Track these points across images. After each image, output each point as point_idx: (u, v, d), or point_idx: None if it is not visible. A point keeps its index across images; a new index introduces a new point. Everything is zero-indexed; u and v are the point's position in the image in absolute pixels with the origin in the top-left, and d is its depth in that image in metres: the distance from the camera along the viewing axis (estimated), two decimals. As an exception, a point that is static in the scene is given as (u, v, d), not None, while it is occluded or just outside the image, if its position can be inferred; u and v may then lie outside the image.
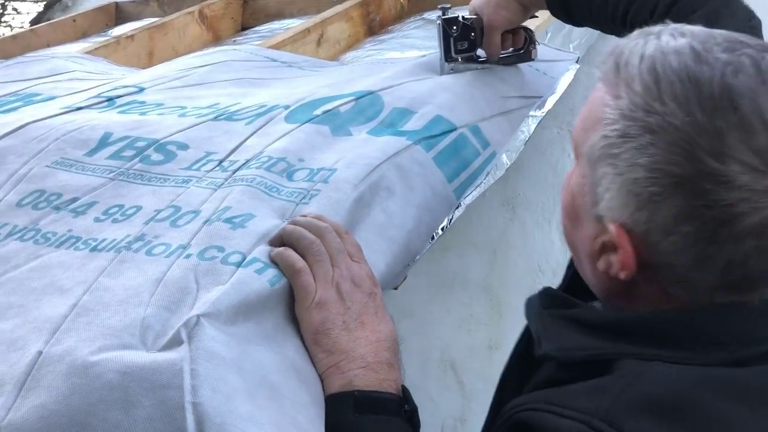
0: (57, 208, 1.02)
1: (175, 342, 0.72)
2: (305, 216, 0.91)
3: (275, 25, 2.66)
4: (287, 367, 0.75)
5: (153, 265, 0.84)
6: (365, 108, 1.19)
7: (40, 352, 0.74)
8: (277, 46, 1.93)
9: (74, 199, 1.04)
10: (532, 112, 1.33)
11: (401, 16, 2.49)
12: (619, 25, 1.15)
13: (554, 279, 2.29)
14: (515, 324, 2.38)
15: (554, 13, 1.27)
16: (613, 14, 1.14)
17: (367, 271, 0.88)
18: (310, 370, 0.79)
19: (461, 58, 1.31)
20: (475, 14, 1.33)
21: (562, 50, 1.58)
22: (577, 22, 1.29)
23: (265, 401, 0.69)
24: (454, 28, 1.30)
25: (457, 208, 1.09)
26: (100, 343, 0.72)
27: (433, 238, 1.06)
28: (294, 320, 0.81)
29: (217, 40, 2.69)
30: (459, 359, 2.48)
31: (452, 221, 1.11)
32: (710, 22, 0.76)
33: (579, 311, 0.75)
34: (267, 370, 0.73)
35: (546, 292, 0.83)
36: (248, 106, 1.31)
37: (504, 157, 1.21)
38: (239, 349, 0.72)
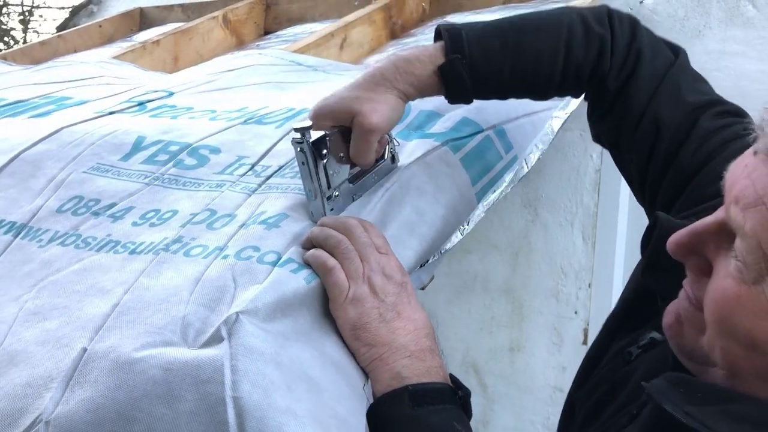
0: (96, 214, 1.05)
1: (215, 339, 0.74)
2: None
3: (297, 29, 2.69)
4: (325, 362, 0.77)
5: (191, 265, 0.86)
6: (393, 112, 1.21)
7: (85, 349, 0.77)
8: (301, 50, 1.95)
9: (112, 205, 1.07)
10: (555, 113, 1.34)
11: (423, 19, 2.51)
12: (555, 88, 1.05)
13: (576, 281, 2.30)
14: (537, 326, 2.39)
15: (455, 97, 1.03)
16: (551, 77, 1.02)
17: (396, 262, 0.88)
18: (349, 364, 0.81)
19: (339, 191, 0.96)
20: (342, 112, 0.97)
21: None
22: (482, 97, 1.07)
23: (304, 394, 0.72)
24: (324, 151, 0.93)
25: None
26: (143, 340, 0.75)
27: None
28: (330, 318, 0.83)
29: (240, 44, 2.72)
30: (481, 361, 2.50)
31: (469, 223, 1.13)
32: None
33: (750, 409, 0.64)
34: (305, 364, 0.75)
35: (677, 381, 0.67)
36: (277, 109, 1.33)
37: (525, 162, 1.23)
38: (277, 345, 0.74)
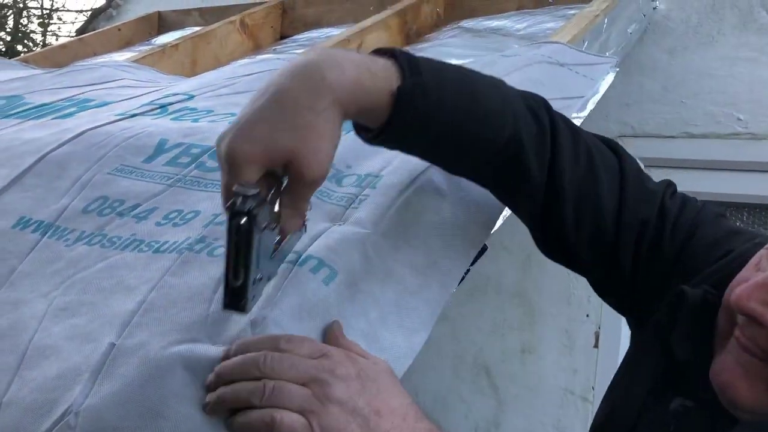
0: (120, 214, 1.09)
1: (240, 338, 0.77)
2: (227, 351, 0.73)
3: (314, 33, 2.72)
4: None
5: (214, 265, 0.89)
6: (408, 116, 1.23)
7: (113, 344, 0.80)
8: (318, 55, 1.98)
9: (136, 205, 1.10)
10: (574, 114, 1.35)
11: (437, 24, 2.53)
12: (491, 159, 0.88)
13: (588, 285, 2.31)
14: (548, 329, 2.41)
15: (387, 133, 0.80)
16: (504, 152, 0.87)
17: (339, 353, 0.72)
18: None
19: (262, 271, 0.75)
20: (277, 157, 0.70)
21: (599, 55, 1.61)
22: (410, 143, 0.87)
23: None
24: (264, 223, 0.71)
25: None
26: (171, 337, 0.78)
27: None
28: (348, 324, 0.84)
29: (257, 48, 2.76)
30: (492, 363, 2.52)
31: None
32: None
33: None
34: None
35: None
36: (295, 114, 1.36)
37: None
38: None
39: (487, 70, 1.44)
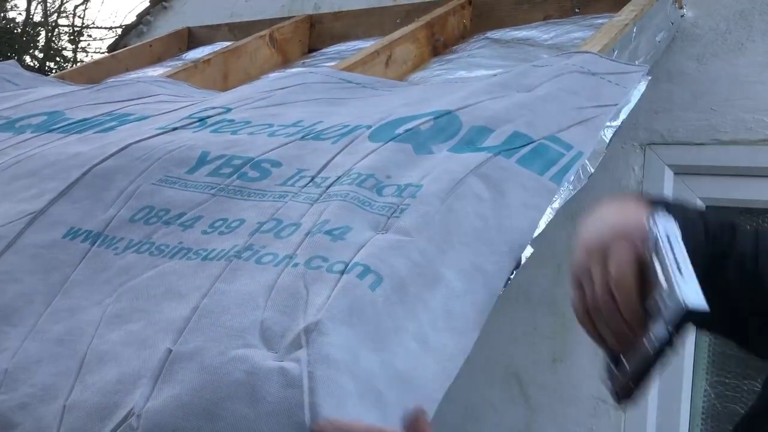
0: (167, 223, 1.12)
1: (295, 345, 0.79)
2: None
3: (341, 47, 2.76)
4: (391, 375, 0.80)
5: (263, 272, 0.92)
6: (444, 127, 1.26)
7: (169, 350, 0.83)
8: (348, 68, 2.02)
9: (181, 214, 1.13)
10: (608, 122, 1.37)
11: (464, 35, 2.56)
12: None
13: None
14: (579, 337, 2.40)
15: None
16: None
17: None
18: (415, 377, 0.83)
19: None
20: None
21: (630, 63, 1.62)
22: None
23: (371, 405, 0.75)
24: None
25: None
26: (227, 343, 0.80)
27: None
28: (396, 324, 0.86)
29: (286, 62, 2.81)
30: (523, 372, 2.52)
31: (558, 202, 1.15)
32: None
33: None
34: (374, 376, 0.78)
35: None
36: (332, 126, 1.39)
37: (587, 163, 1.26)
38: (352, 353, 0.78)
39: (520, 80, 1.46)
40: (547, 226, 2.51)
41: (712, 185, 2.27)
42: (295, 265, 0.92)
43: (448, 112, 1.30)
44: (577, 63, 1.50)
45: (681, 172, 2.30)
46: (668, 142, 2.31)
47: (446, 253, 0.96)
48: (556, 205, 1.15)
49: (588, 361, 2.38)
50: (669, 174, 2.32)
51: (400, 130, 1.27)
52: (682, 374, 2.27)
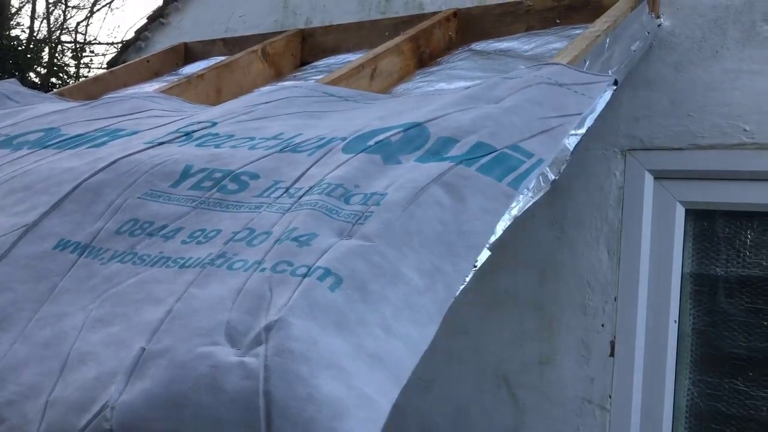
0: (150, 234, 1.20)
1: (256, 342, 0.86)
2: None
3: (331, 60, 2.84)
4: (361, 354, 0.88)
5: (233, 277, 0.99)
6: (413, 138, 1.33)
7: (143, 349, 0.90)
8: (333, 82, 2.09)
9: (164, 226, 1.21)
10: (572, 131, 1.43)
11: (450, 47, 2.63)
12: None
13: (603, 295, 2.39)
14: (565, 339, 2.47)
15: None
16: None
17: None
18: (385, 356, 0.90)
19: None
20: None
21: (597, 74, 1.68)
22: None
23: (330, 378, 0.83)
24: None
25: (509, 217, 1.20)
26: (195, 342, 0.87)
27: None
28: (360, 318, 0.93)
29: (278, 75, 2.89)
30: (512, 374, 2.58)
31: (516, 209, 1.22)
32: None
33: None
34: (337, 355, 0.86)
35: None
36: (309, 138, 1.46)
37: (548, 170, 1.32)
38: (310, 341, 0.85)
39: (489, 92, 1.54)
40: (532, 232, 2.58)
41: (690, 189, 2.33)
42: (263, 269, 0.99)
43: (418, 124, 1.38)
44: (546, 74, 1.57)
45: (661, 176, 2.37)
46: (648, 148, 2.38)
47: (407, 255, 1.03)
48: (515, 212, 1.21)
49: (574, 362, 2.44)
50: (649, 178, 2.38)
51: (372, 142, 1.34)
52: (665, 373, 2.33)
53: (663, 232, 2.35)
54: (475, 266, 1.10)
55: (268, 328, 0.87)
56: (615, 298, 2.38)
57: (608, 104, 2.38)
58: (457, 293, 1.07)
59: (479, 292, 2.69)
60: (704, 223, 2.36)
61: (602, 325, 2.41)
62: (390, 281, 0.99)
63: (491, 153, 1.26)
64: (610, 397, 2.39)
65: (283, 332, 0.86)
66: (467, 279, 1.08)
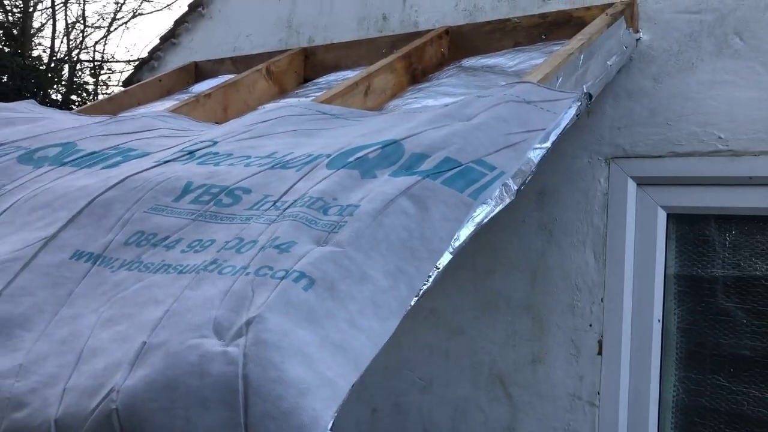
0: (154, 245, 1.35)
1: (237, 334, 1.01)
2: None
3: (332, 77, 3.00)
4: (326, 344, 1.02)
5: (222, 281, 1.14)
6: (389, 155, 1.47)
7: (144, 343, 1.05)
8: (329, 100, 2.25)
9: (166, 237, 1.37)
10: (537, 144, 1.57)
11: (442, 63, 2.77)
12: None
13: (590, 296, 2.52)
14: (556, 339, 2.60)
15: None
16: None
17: None
18: (347, 346, 1.04)
19: None
20: None
21: (563, 91, 1.82)
22: None
23: (297, 363, 0.97)
24: None
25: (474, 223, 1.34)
26: (186, 335, 1.03)
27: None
28: (329, 313, 1.07)
29: (282, 92, 3.05)
30: (506, 373, 2.70)
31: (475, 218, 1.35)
32: None
33: None
34: (305, 344, 1.00)
35: None
36: (299, 155, 1.61)
37: (510, 181, 1.45)
38: (282, 333, 1.00)
39: (462, 110, 1.68)
40: (522, 236, 2.71)
41: (671, 194, 2.45)
42: (247, 273, 1.14)
43: (395, 142, 1.52)
44: (515, 93, 1.71)
45: (643, 183, 2.49)
46: (630, 156, 2.50)
47: (374, 258, 1.18)
48: (480, 219, 1.34)
49: (564, 361, 2.57)
50: (632, 185, 2.51)
51: (352, 158, 1.49)
52: (650, 370, 2.44)
53: (646, 236, 2.48)
54: (438, 268, 1.24)
55: (248, 323, 1.02)
56: (602, 299, 2.51)
57: (592, 114, 2.53)
58: (421, 292, 1.21)
59: (474, 294, 2.83)
60: (685, 226, 2.48)
61: (590, 325, 2.53)
62: (357, 281, 1.13)
63: (456, 167, 1.40)
64: (598, 393, 2.51)
65: (260, 326, 1.01)
66: (430, 279, 1.22)
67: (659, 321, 2.48)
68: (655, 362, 2.46)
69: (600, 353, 2.51)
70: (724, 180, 2.33)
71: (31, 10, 11.38)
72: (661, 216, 2.48)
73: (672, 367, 2.49)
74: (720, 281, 2.42)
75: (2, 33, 10.95)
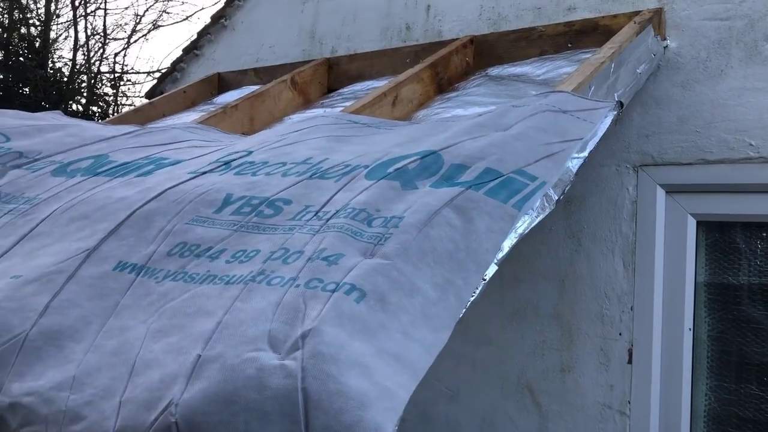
0: (197, 256, 1.36)
1: (294, 348, 1.01)
2: None
3: (357, 87, 3.01)
4: (383, 354, 1.02)
5: (272, 292, 1.14)
6: (429, 165, 1.48)
7: (199, 356, 1.06)
8: (358, 111, 2.25)
9: (209, 248, 1.37)
10: (575, 154, 1.57)
11: (467, 72, 2.78)
12: None
13: (619, 305, 2.50)
14: (585, 348, 2.59)
15: None
16: None
17: None
18: (404, 355, 1.05)
19: None
20: None
21: (599, 100, 1.82)
22: None
23: (356, 374, 0.97)
24: None
25: (516, 235, 1.34)
26: (242, 348, 1.03)
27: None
28: (382, 325, 1.08)
29: (307, 103, 3.06)
30: (535, 382, 2.69)
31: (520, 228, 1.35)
32: None
33: None
34: (362, 356, 1.00)
35: None
36: (336, 164, 1.62)
37: (551, 191, 1.46)
38: (338, 345, 1.00)
39: (498, 120, 1.68)
40: (550, 245, 2.70)
41: (700, 202, 2.44)
42: (297, 285, 1.14)
43: (433, 152, 1.52)
44: (551, 102, 1.71)
45: (672, 190, 2.48)
46: (658, 163, 2.49)
47: (422, 270, 1.18)
48: (522, 230, 1.34)
49: (593, 369, 2.56)
50: (661, 193, 2.50)
51: (391, 169, 1.49)
52: (682, 379, 2.43)
53: (675, 244, 2.47)
54: (484, 279, 1.24)
55: (304, 336, 1.02)
56: (631, 307, 2.50)
57: (620, 122, 2.52)
58: (468, 303, 1.21)
59: (502, 304, 2.82)
60: (715, 234, 2.47)
61: (620, 334, 2.52)
62: (407, 294, 1.13)
63: (498, 178, 1.40)
64: (629, 402, 2.49)
65: (316, 339, 1.01)
66: (477, 291, 1.22)
67: (690, 329, 2.46)
68: (686, 371, 2.45)
69: (630, 362, 2.50)
70: (756, 187, 2.32)
71: (52, 23, 11.55)
72: (691, 223, 2.47)
73: (703, 376, 2.48)
74: (751, 289, 2.40)
75: (25, 45, 11.10)
